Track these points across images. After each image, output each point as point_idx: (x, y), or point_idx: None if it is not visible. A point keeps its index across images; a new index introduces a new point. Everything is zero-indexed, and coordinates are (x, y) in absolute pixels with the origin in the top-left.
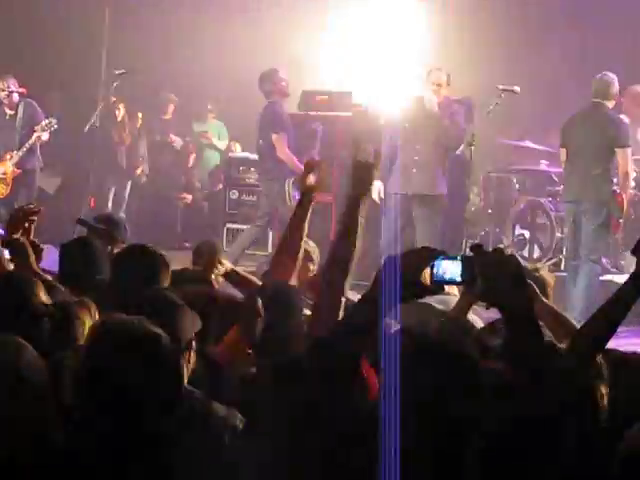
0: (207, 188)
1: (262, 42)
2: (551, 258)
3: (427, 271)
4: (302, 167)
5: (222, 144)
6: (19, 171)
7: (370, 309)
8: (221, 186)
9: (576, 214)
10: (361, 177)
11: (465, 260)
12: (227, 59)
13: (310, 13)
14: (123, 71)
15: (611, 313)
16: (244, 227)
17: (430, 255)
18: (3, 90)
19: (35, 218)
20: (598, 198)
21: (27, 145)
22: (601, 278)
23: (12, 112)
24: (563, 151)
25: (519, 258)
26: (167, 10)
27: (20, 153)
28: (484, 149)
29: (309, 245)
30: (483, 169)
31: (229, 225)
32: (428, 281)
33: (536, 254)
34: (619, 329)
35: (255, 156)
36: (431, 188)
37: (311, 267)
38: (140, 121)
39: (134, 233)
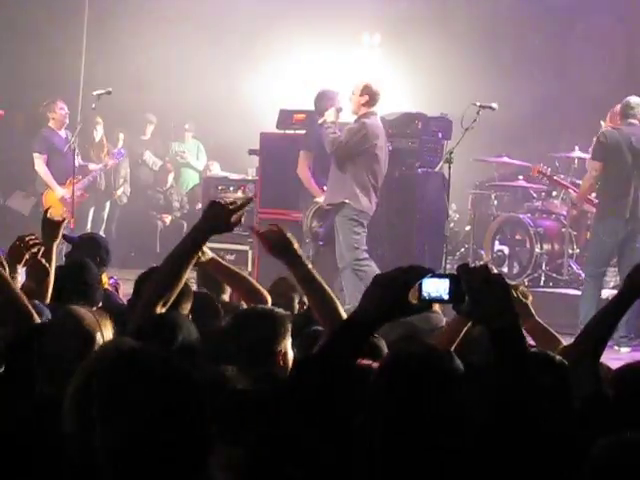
0: (186, 208)
1: (239, 61)
2: (530, 274)
3: (415, 289)
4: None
5: (200, 164)
6: (87, 195)
7: (357, 328)
8: (200, 206)
9: (625, 232)
10: (281, 250)
11: (453, 278)
12: (205, 79)
13: (278, 31)
14: (102, 92)
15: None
16: (223, 246)
17: (418, 273)
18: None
19: (36, 250)
20: None
21: (96, 172)
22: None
23: (65, 135)
24: (599, 164)
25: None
26: (145, 31)
27: (86, 181)
28: (463, 166)
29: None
30: (462, 186)
31: (208, 244)
32: (415, 299)
33: (515, 270)
34: None
35: (234, 175)
36: (332, 197)
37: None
38: (121, 142)
39: (113, 253)
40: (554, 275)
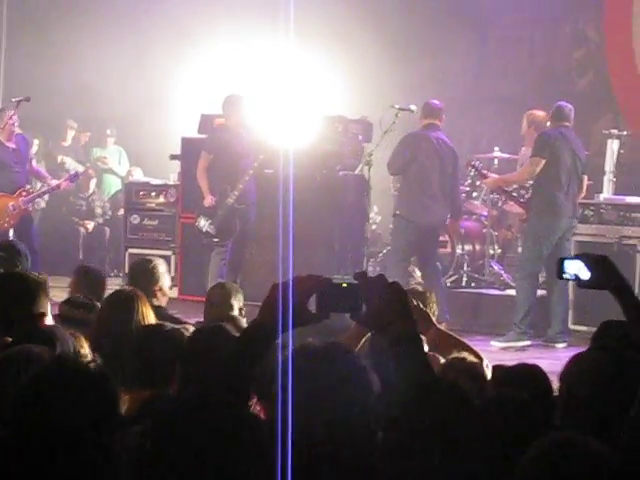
0: (108, 214)
1: (160, 65)
2: (452, 275)
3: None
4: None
5: (122, 169)
6: (31, 209)
7: (258, 336)
8: (122, 211)
9: (562, 231)
10: None
11: (350, 287)
12: (126, 84)
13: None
14: (21, 99)
15: None
16: (146, 252)
17: (317, 283)
18: (7, 120)
19: None
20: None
21: (49, 189)
22: (503, 293)
23: (14, 146)
24: (542, 161)
25: None
26: (65, 35)
27: (38, 193)
28: (383, 168)
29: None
30: (383, 188)
31: (131, 250)
32: (315, 309)
33: None
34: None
35: (156, 180)
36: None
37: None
38: (36, 147)
39: (35, 260)
40: (476, 275)
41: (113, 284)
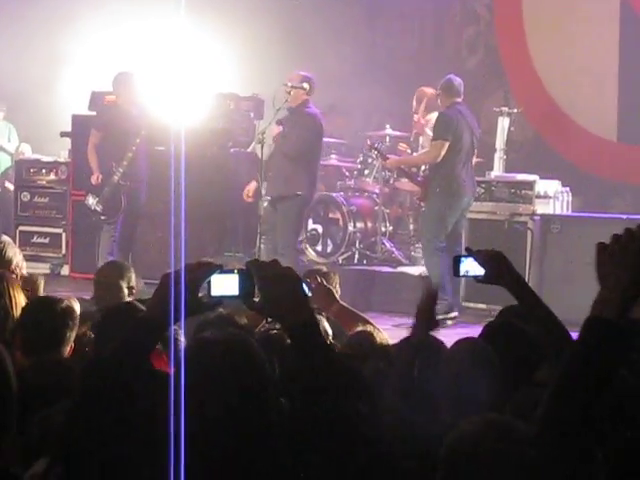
0: None
1: (49, 44)
2: (344, 252)
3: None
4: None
5: (12, 146)
6: None
7: (148, 327)
8: (12, 188)
9: (464, 209)
10: None
11: (242, 274)
12: (15, 59)
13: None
14: None
15: None
16: (36, 229)
17: (207, 270)
18: None
19: None
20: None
21: None
22: (395, 270)
23: None
24: (447, 144)
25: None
26: None
27: None
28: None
29: None
30: None
31: (21, 227)
32: (205, 297)
33: (329, 248)
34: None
35: (47, 157)
36: (282, 190)
37: None
38: None
39: None
40: (368, 253)
41: None
